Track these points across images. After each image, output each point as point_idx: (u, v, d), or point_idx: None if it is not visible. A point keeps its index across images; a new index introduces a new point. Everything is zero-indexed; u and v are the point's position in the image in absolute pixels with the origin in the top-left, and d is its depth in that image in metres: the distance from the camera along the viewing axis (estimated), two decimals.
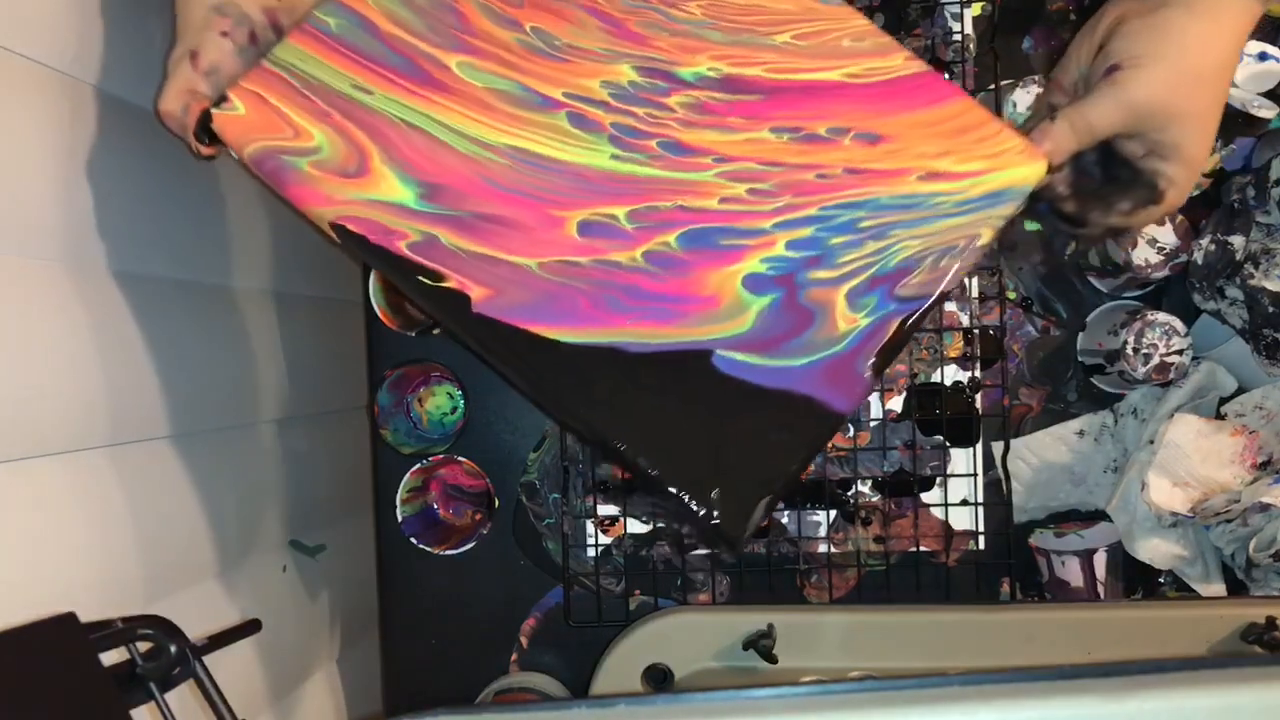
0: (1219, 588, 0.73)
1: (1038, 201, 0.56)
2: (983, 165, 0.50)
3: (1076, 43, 0.57)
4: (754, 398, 0.46)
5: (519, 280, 0.48)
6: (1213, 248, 0.68)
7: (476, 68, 0.51)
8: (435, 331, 0.77)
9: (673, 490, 0.46)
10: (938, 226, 0.49)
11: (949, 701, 0.34)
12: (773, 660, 0.63)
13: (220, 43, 0.53)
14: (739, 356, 0.47)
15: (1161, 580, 0.75)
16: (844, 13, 0.53)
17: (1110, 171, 0.57)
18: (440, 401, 0.81)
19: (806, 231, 0.49)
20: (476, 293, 0.47)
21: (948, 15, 0.75)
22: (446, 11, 0.52)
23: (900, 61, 0.52)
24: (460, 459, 0.76)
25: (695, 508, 0.45)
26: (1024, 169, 0.50)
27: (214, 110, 0.51)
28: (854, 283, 0.48)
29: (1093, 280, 0.75)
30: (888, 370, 0.75)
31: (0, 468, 0.52)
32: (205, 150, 0.53)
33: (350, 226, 0.49)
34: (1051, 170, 0.51)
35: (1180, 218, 0.68)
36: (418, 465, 0.75)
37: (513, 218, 0.49)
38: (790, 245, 0.49)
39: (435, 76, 0.51)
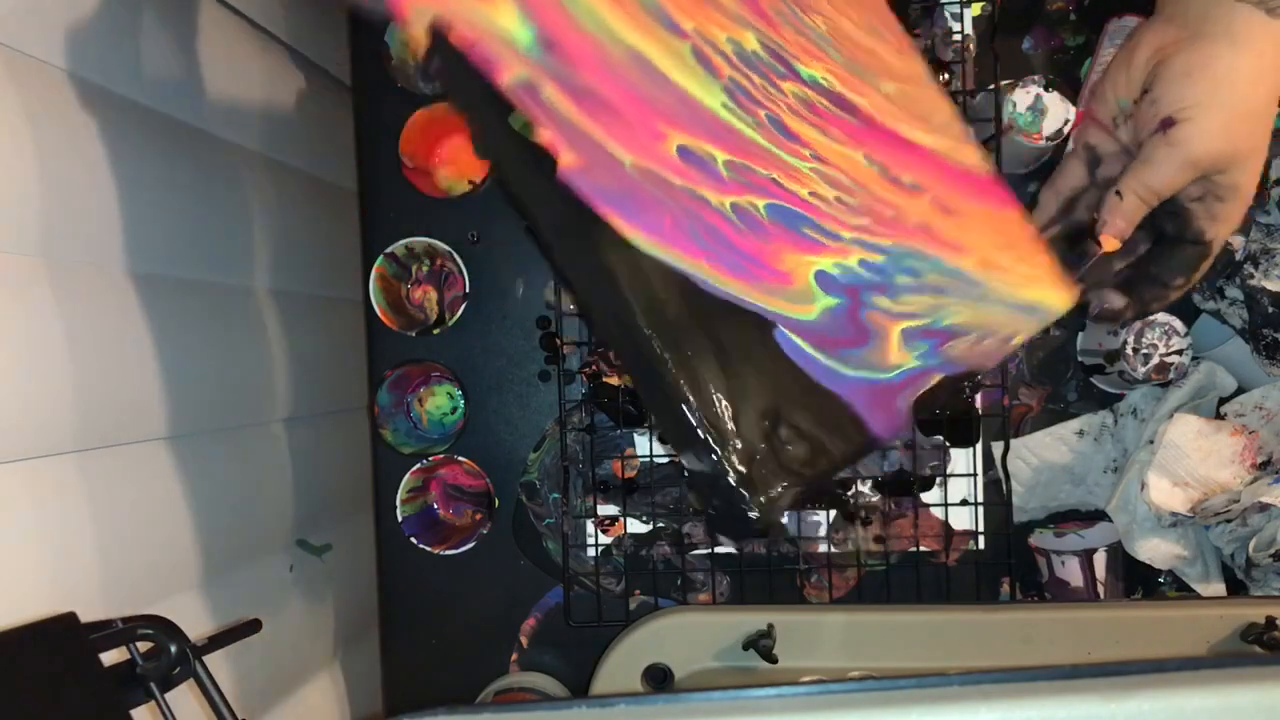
0: (1219, 588, 0.73)
1: (1106, 322, 0.59)
2: (1027, 275, 0.53)
3: (1110, 76, 0.57)
4: (806, 386, 0.47)
5: (610, 168, 0.46)
6: None
7: None
8: (435, 331, 0.77)
9: (711, 445, 0.44)
10: (986, 310, 0.51)
11: (949, 701, 0.34)
12: (773, 660, 0.63)
13: None
14: (799, 341, 0.47)
15: (1161, 580, 0.75)
16: (940, 96, 0.56)
17: (1157, 221, 0.57)
18: (440, 401, 0.81)
19: (879, 258, 0.50)
20: (566, 158, 0.45)
21: (948, 15, 0.75)
22: None
23: (975, 159, 0.55)
24: (460, 459, 0.76)
25: (730, 471, 0.44)
26: (1057, 295, 0.53)
27: None
28: (910, 324, 0.49)
29: None
30: None
31: (1, 467, 0.52)
32: None
33: (452, 36, 0.44)
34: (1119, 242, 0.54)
35: None
36: (418, 465, 0.75)
37: (618, 108, 0.47)
38: (863, 264, 0.50)
39: None
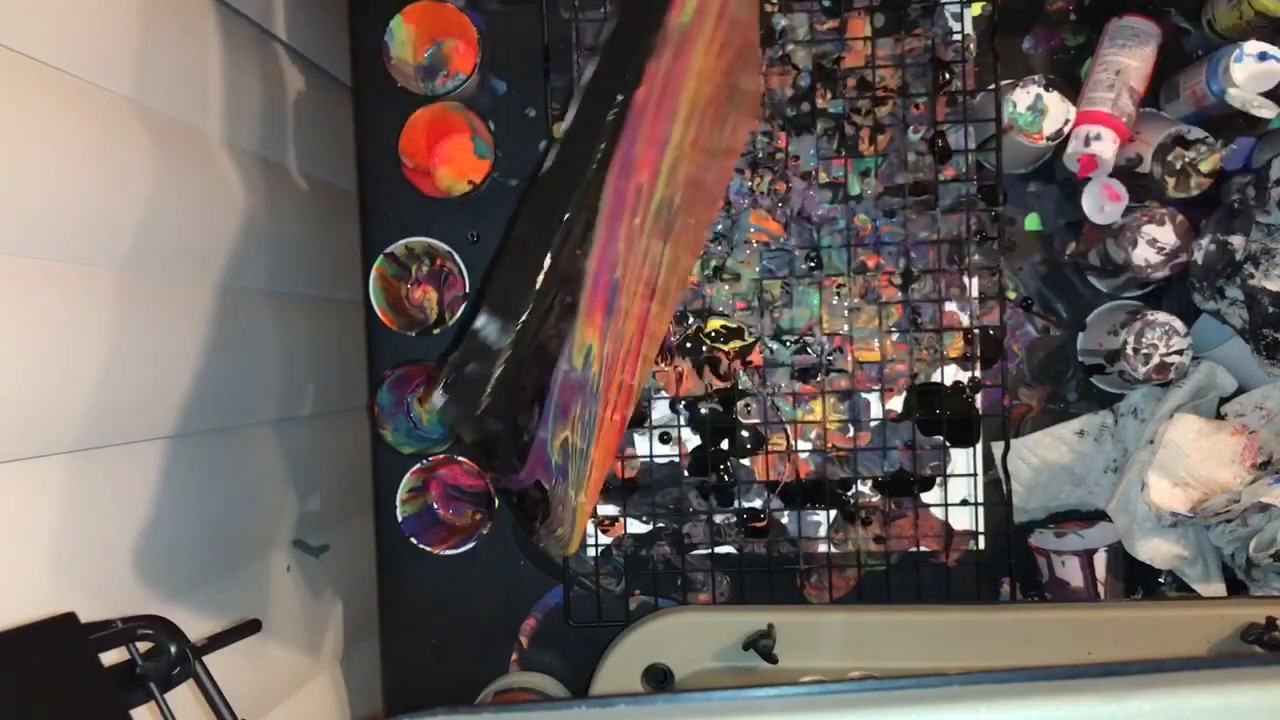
0: (1219, 588, 0.73)
1: None
2: (581, 517, 0.62)
3: None
4: (538, 399, 0.52)
5: (636, 136, 0.51)
6: (1213, 248, 0.68)
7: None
8: (435, 331, 0.77)
9: (493, 342, 0.48)
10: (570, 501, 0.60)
11: (949, 701, 0.34)
12: (773, 660, 0.63)
13: None
14: (560, 374, 0.52)
15: (1161, 580, 0.75)
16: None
17: None
18: None
19: (596, 376, 0.57)
20: (642, 92, 0.50)
21: (948, 15, 0.75)
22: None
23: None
24: (460, 459, 0.76)
25: (478, 377, 0.48)
26: (573, 543, 0.63)
27: None
28: (568, 436, 0.55)
29: (1093, 280, 0.75)
30: (887, 369, 0.75)
31: (2, 468, 0.52)
32: None
33: None
34: None
35: (1180, 217, 0.68)
36: (418, 465, 0.75)
37: (660, 114, 0.53)
38: (595, 371, 0.56)
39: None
